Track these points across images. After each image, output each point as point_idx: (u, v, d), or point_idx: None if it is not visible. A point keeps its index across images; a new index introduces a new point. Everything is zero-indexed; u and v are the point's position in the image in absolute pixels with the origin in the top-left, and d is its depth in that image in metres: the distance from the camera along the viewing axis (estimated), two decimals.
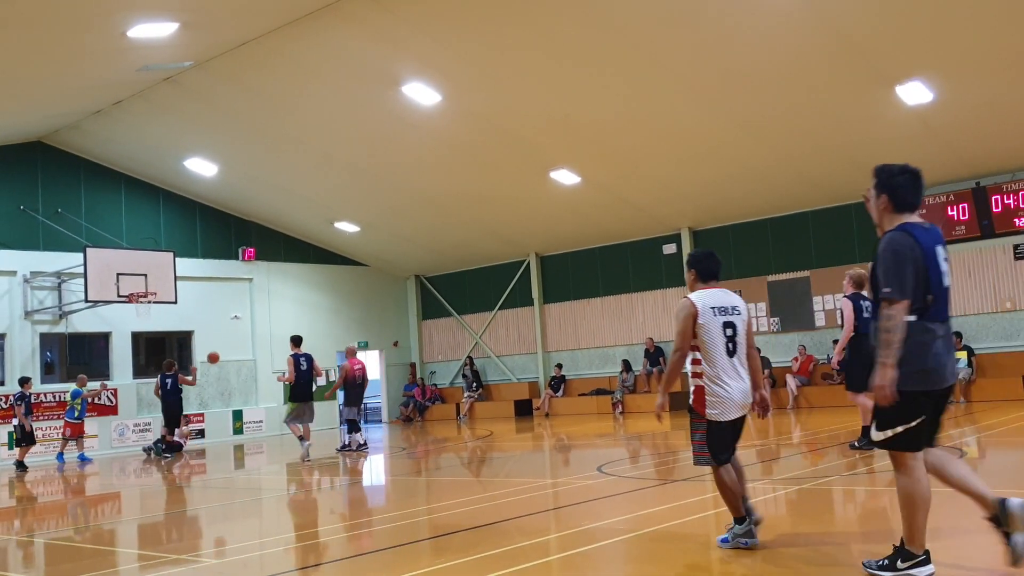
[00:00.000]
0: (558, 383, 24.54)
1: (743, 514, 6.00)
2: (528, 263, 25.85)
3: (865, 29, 13.91)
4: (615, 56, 15.09)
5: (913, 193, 4.97)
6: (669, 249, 23.05)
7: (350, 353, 17.63)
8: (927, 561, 4.84)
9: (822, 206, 20.61)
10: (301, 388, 15.78)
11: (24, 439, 18.24)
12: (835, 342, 20.02)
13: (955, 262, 18.97)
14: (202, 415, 22.81)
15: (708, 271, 6.18)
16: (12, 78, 15.90)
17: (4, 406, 19.83)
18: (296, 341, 16.38)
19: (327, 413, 25.69)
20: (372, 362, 30.39)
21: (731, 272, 21.98)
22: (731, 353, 5.93)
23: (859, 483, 8.93)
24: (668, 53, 14.97)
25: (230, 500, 11.76)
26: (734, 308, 6.03)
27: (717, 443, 5.98)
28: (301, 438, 15.50)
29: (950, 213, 18.81)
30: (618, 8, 13.75)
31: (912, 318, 4.76)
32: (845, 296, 11.15)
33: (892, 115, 16.16)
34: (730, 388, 5.91)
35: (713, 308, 5.96)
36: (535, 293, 25.63)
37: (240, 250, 24.48)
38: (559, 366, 24.75)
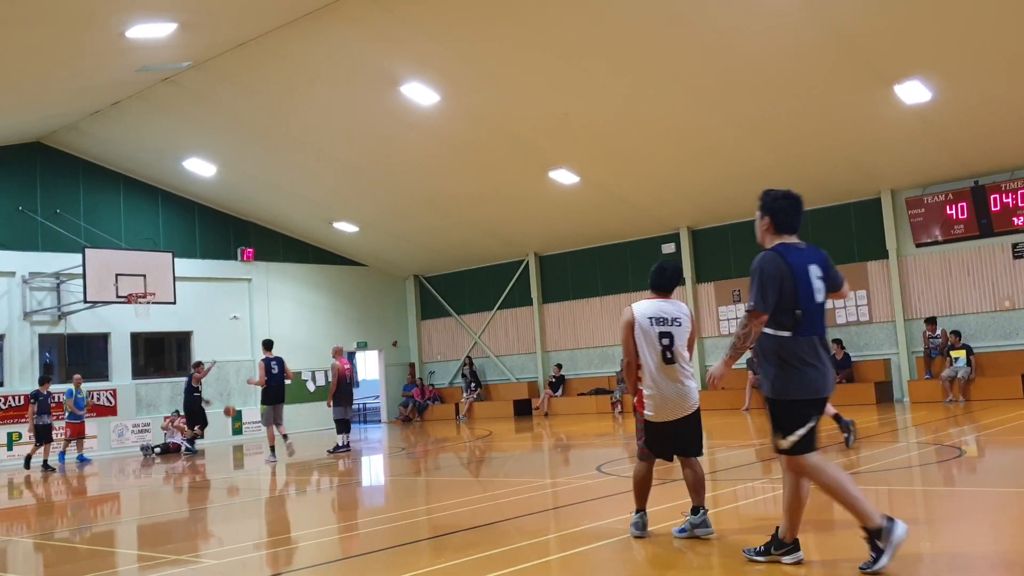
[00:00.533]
0: (557, 383, 24.55)
1: (643, 507, 6.57)
2: (527, 263, 25.85)
3: (864, 28, 13.91)
4: (614, 56, 15.09)
5: (792, 217, 5.53)
6: (668, 249, 23.05)
7: (337, 353, 17.68)
8: (796, 548, 5.43)
9: (821, 205, 20.60)
10: (273, 391, 16.14)
11: (39, 437, 17.95)
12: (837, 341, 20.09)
13: (954, 261, 19.00)
14: None
15: (658, 285, 6.69)
16: (11, 78, 15.88)
17: (3, 407, 19.82)
18: (267, 345, 16.79)
19: (326, 414, 25.68)
20: (371, 362, 30.41)
21: (730, 272, 21.99)
22: (668, 361, 6.32)
23: (858, 482, 8.91)
24: (667, 53, 14.97)
25: (229, 500, 11.75)
26: (675, 319, 6.44)
27: (653, 440, 6.47)
28: (273, 448, 16.03)
29: (949, 212, 18.82)
30: (617, 8, 13.75)
31: (787, 334, 5.22)
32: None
33: (891, 114, 16.17)
34: (665, 392, 6.31)
35: (651, 318, 6.41)
36: (534, 293, 25.64)
37: (239, 250, 24.47)
38: (558, 366, 24.75)
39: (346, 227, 24.59)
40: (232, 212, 24.50)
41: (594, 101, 16.65)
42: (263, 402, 16.51)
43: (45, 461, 17.98)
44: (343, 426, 17.11)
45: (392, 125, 18.09)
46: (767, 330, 5.28)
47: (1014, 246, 18.28)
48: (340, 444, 16.90)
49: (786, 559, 5.37)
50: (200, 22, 14.42)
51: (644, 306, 6.49)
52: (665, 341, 6.30)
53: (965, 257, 18.88)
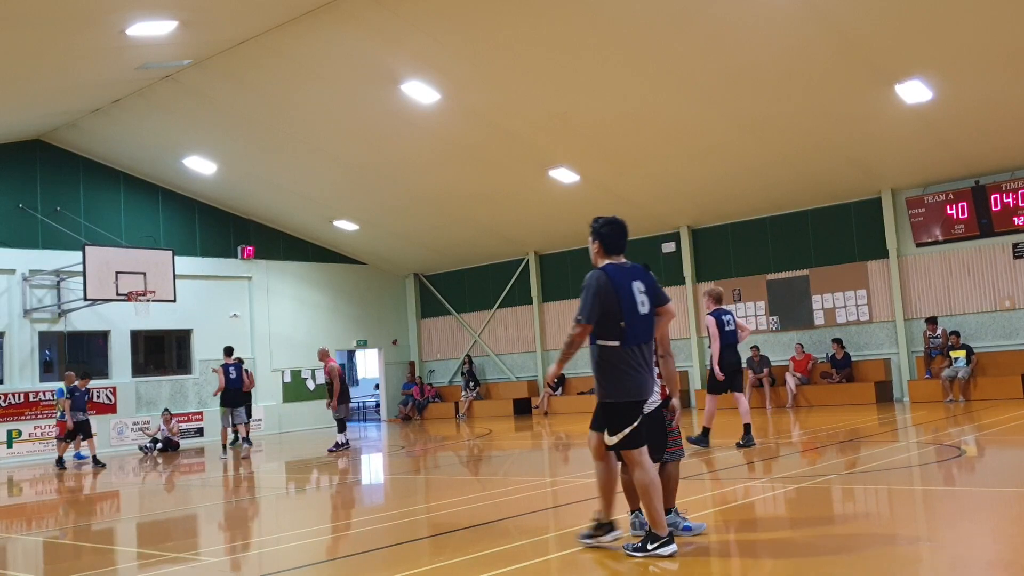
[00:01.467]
0: (557, 382, 24.56)
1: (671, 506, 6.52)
2: (527, 261, 25.85)
3: (865, 28, 13.90)
4: (614, 54, 15.09)
5: (617, 240, 6.18)
6: (668, 248, 23.05)
7: (325, 355, 17.68)
8: (671, 540, 5.82)
9: (821, 205, 20.61)
10: (230, 395, 18.28)
11: (75, 434, 17.24)
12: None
13: (954, 261, 18.99)
14: (201, 413, 22.80)
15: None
16: (11, 76, 15.88)
17: (3, 405, 19.83)
18: (228, 352, 18.90)
19: (326, 412, 25.69)
20: (371, 360, 30.42)
21: (730, 271, 21.99)
22: None
23: (858, 481, 8.93)
24: (668, 51, 14.97)
25: (228, 499, 11.75)
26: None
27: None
28: (225, 446, 18.10)
29: (949, 212, 18.82)
30: (617, 7, 13.74)
31: (614, 344, 5.88)
32: (709, 313, 12.06)
33: (891, 114, 16.17)
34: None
35: None
36: (534, 291, 25.63)
37: (239, 248, 24.46)
38: None
39: (346, 225, 24.59)
40: (232, 210, 24.50)
41: (594, 100, 16.65)
42: (221, 404, 18.44)
43: (94, 456, 17.37)
44: (343, 424, 17.26)
45: (392, 124, 18.08)
46: (599, 342, 5.92)
47: (1014, 246, 18.27)
48: (340, 442, 16.95)
49: (663, 551, 5.77)
50: (200, 20, 14.41)
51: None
52: None
53: (965, 257, 18.87)
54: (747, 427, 11.97)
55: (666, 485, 6.32)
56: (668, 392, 6.44)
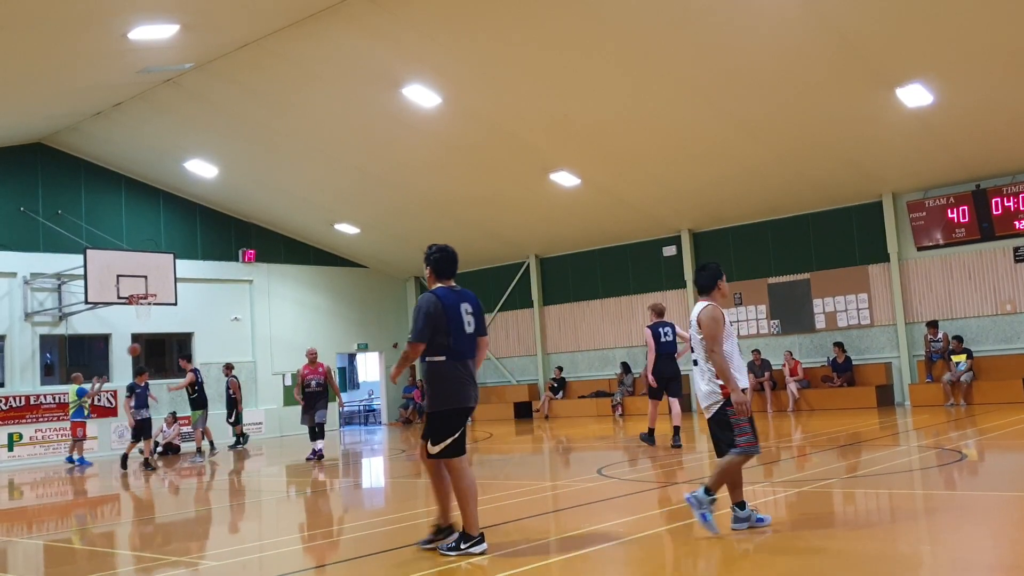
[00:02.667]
0: (558, 385, 24.54)
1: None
2: (528, 265, 25.85)
3: (865, 31, 13.92)
4: (615, 58, 15.10)
5: (447, 266, 6.81)
6: (669, 251, 23.05)
7: (313, 356, 16.50)
8: (482, 540, 6.41)
9: (822, 208, 20.62)
10: (200, 399, 19.09)
11: (139, 433, 16.57)
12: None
13: (955, 265, 18.99)
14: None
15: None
16: (13, 79, 15.90)
17: (4, 408, 19.82)
18: (188, 358, 20.19)
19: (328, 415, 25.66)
20: (372, 364, 30.40)
21: (731, 274, 21.97)
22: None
23: (859, 485, 8.92)
24: (669, 55, 14.98)
25: (229, 502, 11.74)
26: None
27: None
28: (199, 449, 18.76)
29: (950, 216, 18.82)
30: (618, 10, 13.76)
31: (442, 358, 6.52)
32: (647, 326, 13.55)
33: (892, 117, 16.18)
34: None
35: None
36: (535, 295, 25.63)
37: (240, 252, 24.48)
38: (559, 368, 24.74)
39: (347, 229, 24.60)
40: (233, 213, 24.51)
41: (595, 103, 16.66)
42: (192, 408, 19.09)
43: (146, 459, 16.78)
44: (320, 431, 16.11)
45: (393, 127, 18.10)
46: (429, 358, 6.55)
47: (1015, 250, 18.28)
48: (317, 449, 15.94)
49: (474, 549, 6.34)
50: (202, 23, 14.43)
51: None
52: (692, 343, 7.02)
53: (966, 261, 18.87)
54: (676, 429, 13.35)
55: (733, 480, 6.53)
56: (728, 391, 6.45)
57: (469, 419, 6.82)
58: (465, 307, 6.64)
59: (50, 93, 17.50)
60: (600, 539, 6.84)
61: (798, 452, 12.60)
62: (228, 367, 21.18)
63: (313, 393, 15.96)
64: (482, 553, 6.32)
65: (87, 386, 18.94)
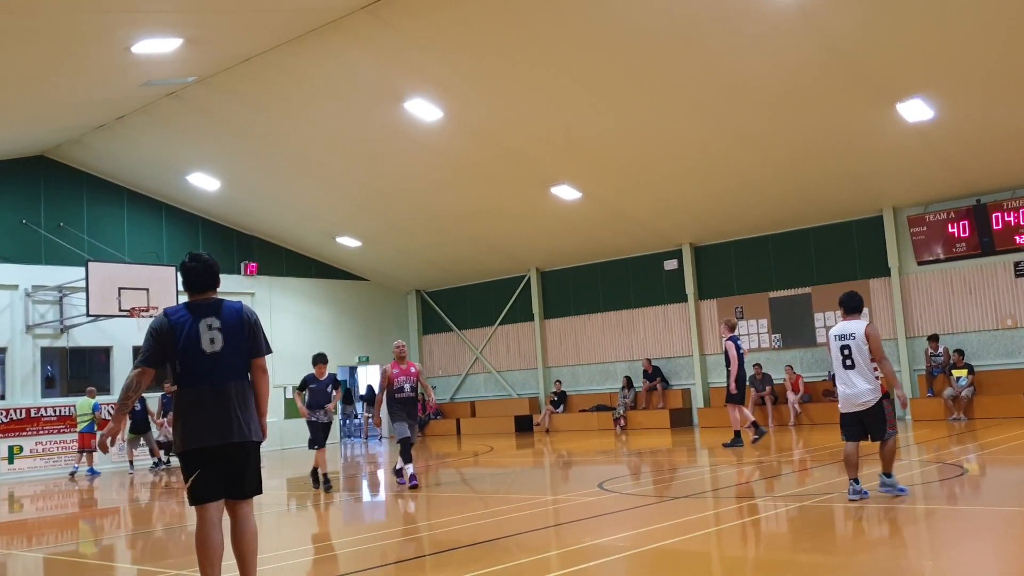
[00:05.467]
0: (559, 399, 24.51)
1: (855, 476, 8.45)
2: (529, 278, 25.87)
3: (866, 47, 13.97)
4: (616, 72, 15.16)
5: (192, 279, 5.73)
6: (670, 265, 23.06)
7: (402, 352, 12.96)
8: None
9: (823, 223, 20.64)
10: (136, 424, 19.66)
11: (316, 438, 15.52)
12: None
13: (955, 279, 18.98)
14: None
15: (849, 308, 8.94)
16: (16, 92, 15.95)
17: (4, 420, 19.82)
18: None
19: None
20: (373, 377, 30.36)
21: (732, 288, 22.00)
22: (847, 367, 8.62)
23: (860, 500, 8.90)
24: (670, 69, 15.03)
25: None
26: (851, 335, 8.57)
27: (845, 424, 8.68)
28: (132, 462, 19.44)
29: (950, 230, 18.84)
30: (619, 25, 13.82)
31: (179, 387, 5.50)
32: (728, 339, 15.23)
33: (893, 132, 16.22)
34: (842, 390, 8.67)
35: (836, 335, 8.68)
36: (536, 308, 25.64)
37: (242, 264, 24.50)
38: (559, 382, 24.72)
39: (349, 242, 24.64)
40: (235, 226, 24.56)
41: (596, 117, 16.70)
42: (130, 431, 19.75)
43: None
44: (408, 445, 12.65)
45: (395, 141, 18.15)
46: (175, 387, 5.54)
47: (1016, 264, 18.28)
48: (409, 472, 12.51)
49: None
50: (205, 37, 14.50)
51: (836, 326, 8.70)
52: (845, 351, 8.45)
53: (967, 275, 18.88)
54: (756, 424, 15.27)
55: (887, 456, 8.49)
56: (887, 387, 8.27)
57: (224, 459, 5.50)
58: (208, 322, 5.56)
59: (53, 106, 17.57)
60: (601, 553, 6.83)
61: (799, 466, 12.58)
62: None
63: (407, 400, 12.41)
64: None
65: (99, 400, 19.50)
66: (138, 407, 19.47)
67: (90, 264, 19.40)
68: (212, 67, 15.90)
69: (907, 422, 18.49)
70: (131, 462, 20.04)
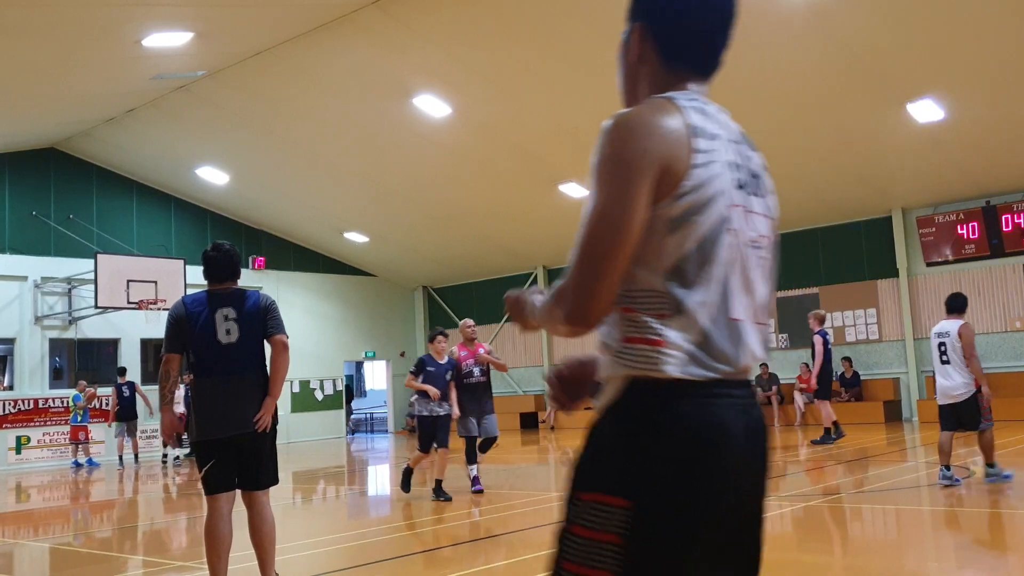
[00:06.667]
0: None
1: (947, 463, 9.01)
2: (536, 275, 25.87)
3: (877, 47, 13.92)
4: None
5: (213, 269, 5.67)
6: None
7: (471, 332, 11.25)
8: None
9: (831, 223, 20.58)
10: (123, 411, 19.02)
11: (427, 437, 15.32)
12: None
13: (964, 281, 18.92)
14: None
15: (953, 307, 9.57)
16: (27, 84, 16.01)
17: (13, 411, 19.89)
18: (121, 372, 19.78)
19: (335, 423, 25.72)
20: (379, 372, 30.43)
21: None
22: (944, 362, 9.18)
23: (866, 501, 8.89)
24: None
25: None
26: (947, 333, 9.17)
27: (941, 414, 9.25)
28: (121, 457, 18.96)
29: (960, 232, 18.78)
30: None
31: (196, 376, 5.51)
32: (818, 332, 14.79)
33: (903, 133, 16.16)
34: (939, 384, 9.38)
35: (937, 333, 9.35)
36: None
37: (250, 259, 24.55)
38: None
39: (356, 237, 24.67)
40: (244, 220, 24.61)
41: (605, 115, 16.52)
42: (116, 419, 19.05)
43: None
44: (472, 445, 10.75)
45: (404, 137, 18.16)
46: (193, 377, 5.55)
47: None
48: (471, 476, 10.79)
49: None
50: (215, 32, 14.53)
51: (937, 324, 9.33)
52: (941, 348, 9.07)
53: (976, 277, 18.81)
54: (827, 429, 14.87)
55: (986, 447, 9.02)
56: (979, 383, 8.81)
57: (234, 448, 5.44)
58: (225, 312, 5.52)
59: (64, 99, 17.62)
60: None
61: (805, 467, 12.56)
62: None
63: (476, 386, 10.51)
64: None
65: (81, 394, 19.67)
66: (127, 392, 19.07)
67: (99, 256, 19.47)
68: (222, 61, 15.93)
69: (914, 423, 18.45)
70: (120, 457, 19.11)
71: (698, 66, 2.15)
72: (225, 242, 5.85)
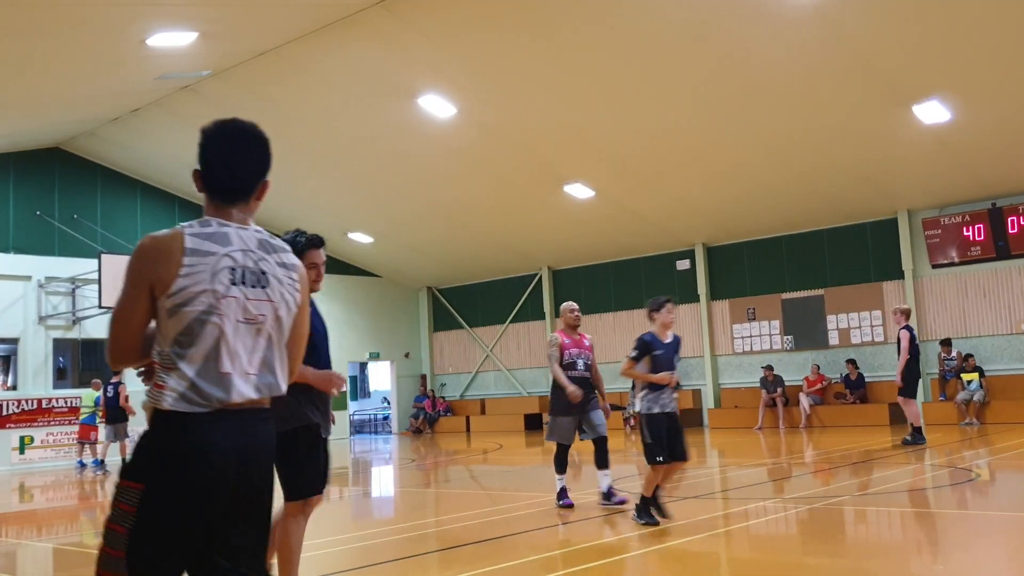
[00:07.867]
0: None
1: None
2: (540, 276, 25.84)
3: (883, 48, 13.89)
4: (630, 72, 15.11)
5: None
6: (683, 265, 23.00)
7: (575, 317, 10.06)
8: None
9: (837, 224, 20.54)
10: (109, 412, 18.03)
11: None
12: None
13: (970, 283, 18.86)
14: None
15: None
16: (32, 84, 16.02)
17: (17, 411, 19.91)
18: (115, 371, 18.91)
19: (342, 422, 25.69)
20: (383, 373, 30.42)
21: (745, 289, 21.91)
22: None
23: (870, 503, 8.85)
24: (684, 69, 14.98)
25: None
26: None
27: None
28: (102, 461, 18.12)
29: (966, 234, 18.72)
30: (634, 25, 13.77)
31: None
32: (904, 327, 13.82)
33: (909, 134, 16.12)
34: None
35: None
36: (547, 307, 25.60)
37: None
38: None
39: (361, 238, 24.66)
40: None
41: (610, 116, 16.66)
42: (106, 421, 18.11)
43: None
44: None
45: (408, 137, 18.15)
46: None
47: None
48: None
49: None
50: (220, 31, 14.53)
51: None
52: None
53: (981, 279, 18.76)
54: (918, 428, 13.92)
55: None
56: None
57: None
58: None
59: (68, 98, 17.64)
60: (608, 552, 6.80)
61: (812, 469, 12.53)
62: None
63: (579, 381, 9.30)
64: None
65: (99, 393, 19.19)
66: (111, 392, 17.79)
67: (103, 256, 19.46)
68: (227, 61, 15.93)
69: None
70: (102, 460, 18.19)
71: (220, 196, 3.04)
72: None
